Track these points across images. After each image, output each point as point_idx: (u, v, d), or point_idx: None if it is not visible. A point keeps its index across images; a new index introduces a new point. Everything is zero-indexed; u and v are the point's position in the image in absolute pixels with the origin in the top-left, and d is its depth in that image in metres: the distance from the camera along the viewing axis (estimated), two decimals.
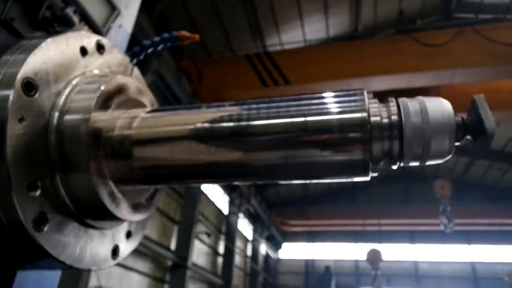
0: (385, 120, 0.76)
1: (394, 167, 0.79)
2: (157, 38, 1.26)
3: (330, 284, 20.81)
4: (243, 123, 0.80)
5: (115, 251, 0.93)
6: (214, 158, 0.82)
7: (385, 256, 18.14)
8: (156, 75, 10.67)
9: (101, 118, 0.84)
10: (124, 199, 0.87)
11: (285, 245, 28.85)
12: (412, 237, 25.96)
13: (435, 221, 16.95)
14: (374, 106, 0.78)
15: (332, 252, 27.75)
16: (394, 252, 25.87)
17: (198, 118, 0.85)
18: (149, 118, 0.90)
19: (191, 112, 0.89)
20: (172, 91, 11.66)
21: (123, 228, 0.96)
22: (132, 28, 2.09)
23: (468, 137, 0.75)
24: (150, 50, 1.27)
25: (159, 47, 1.28)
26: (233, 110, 0.83)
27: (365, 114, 0.76)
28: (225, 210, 19.64)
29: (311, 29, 14.14)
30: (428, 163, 0.76)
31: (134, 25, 2.11)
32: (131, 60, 1.09)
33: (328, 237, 27.71)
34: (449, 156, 0.75)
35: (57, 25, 1.55)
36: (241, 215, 20.85)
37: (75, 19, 1.58)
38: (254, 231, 24.10)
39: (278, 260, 28.83)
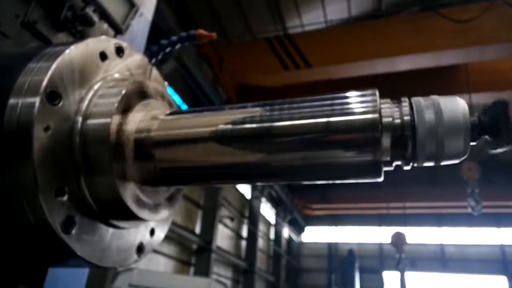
0: (397, 121, 0.75)
1: (408, 167, 0.79)
2: (174, 37, 1.28)
3: (354, 267, 20.84)
4: (261, 124, 0.82)
5: (140, 249, 0.97)
6: (236, 160, 0.83)
7: (410, 240, 17.94)
8: (177, 62, 10.75)
9: (122, 121, 0.87)
10: (147, 200, 0.90)
11: (308, 229, 28.99)
12: (438, 220, 25.51)
13: (462, 204, 16.54)
14: (386, 106, 0.78)
15: (356, 235, 27.69)
16: (419, 236, 25.54)
17: (220, 119, 0.86)
18: (169, 120, 0.92)
19: (212, 114, 0.90)
20: (194, 77, 11.73)
21: (146, 226, 1.00)
22: (152, 15, 2.12)
23: (487, 136, 0.74)
24: (168, 49, 1.29)
25: (177, 46, 1.30)
26: (254, 111, 0.85)
27: (376, 115, 0.75)
28: (248, 195, 19.85)
29: (332, 9, 13.79)
30: (443, 163, 0.76)
31: (154, 12, 2.14)
32: (150, 60, 1.12)
33: (351, 221, 27.61)
34: (465, 156, 0.74)
35: (78, 24, 1.60)
36: (263, 199, 21.03)
37: (95, 18, 1.61)
38: (277, 215, 24.30)
39: (301, 243, 29.06)
